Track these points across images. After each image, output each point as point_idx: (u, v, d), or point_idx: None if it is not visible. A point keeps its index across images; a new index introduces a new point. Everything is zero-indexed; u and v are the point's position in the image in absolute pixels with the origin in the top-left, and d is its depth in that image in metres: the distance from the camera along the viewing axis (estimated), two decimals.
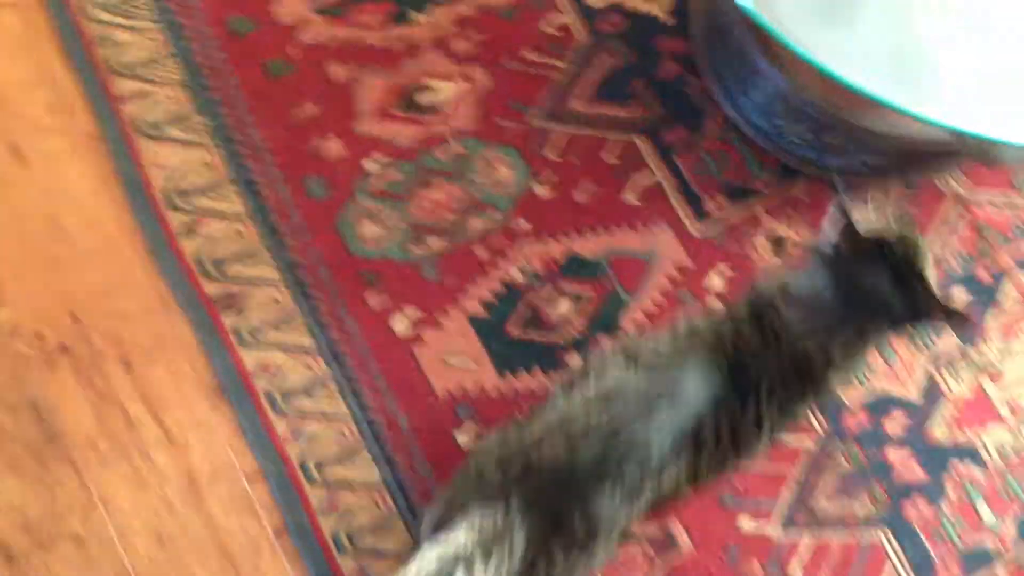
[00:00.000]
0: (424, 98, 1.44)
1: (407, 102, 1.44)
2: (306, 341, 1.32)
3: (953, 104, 1.15)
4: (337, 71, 1.44)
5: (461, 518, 0.98)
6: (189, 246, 1.34)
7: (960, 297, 1.44)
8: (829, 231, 1.03)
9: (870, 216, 1.03)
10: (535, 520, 0.98)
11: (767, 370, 1.04)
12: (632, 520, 1.05)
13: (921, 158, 1.46)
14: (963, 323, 1.02)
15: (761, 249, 1.43)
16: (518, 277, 1.38)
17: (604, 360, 1.08)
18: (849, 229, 1.02)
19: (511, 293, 1.37)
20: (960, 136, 1.13)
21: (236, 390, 1.29)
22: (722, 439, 1.04)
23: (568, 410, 1.04)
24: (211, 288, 1.33)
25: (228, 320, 1.31)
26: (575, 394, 1.05)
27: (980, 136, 1.11)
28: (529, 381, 1.34)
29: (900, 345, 1.41)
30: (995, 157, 1.11)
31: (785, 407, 1.06)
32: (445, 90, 1.45)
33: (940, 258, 1.45)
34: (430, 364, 1.33)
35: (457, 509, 1.00)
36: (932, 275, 1.03)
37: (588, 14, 1.51)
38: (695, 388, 1.02)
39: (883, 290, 1.00)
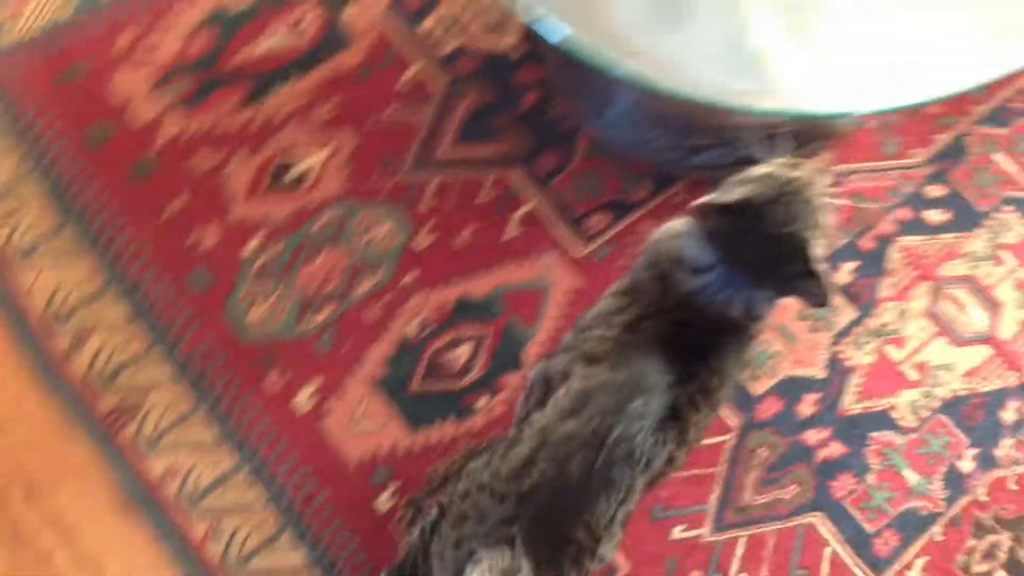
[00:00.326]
0: (293, 172, 1.45)
1: (277, 178, 1.44)
2: (210, 436, 1.31)
3: (793, 90, 1.18)
4: (202, 161, 1.44)
5: (472, 567, 0.99)
6: (78, 363, 1.33)
7: (846, 272, 1.47)
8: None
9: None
10: (541, 547, 1.00)
11: (703, 330, 1.05)
12: (634, 505, 1.06)
13: (787, 142, 1.48)
14: (820, 293, 1.00)
15: None
16: (413, 331, 1.38)
17: (564, 368, 1.08)
18: (720, 206, 1.02)
19: (409, 348, 1.38)
20: (802, 119, 1.16)
21: (147, 501, 1.27)
22: (699, 406, 1.06)
23: (547, 426, 1.04)
24: (106, 401, 1.31)
25: (128, 430, 1.30)
26: (548, 409, 1.06)
27: (818, 114, 1.14)
28: (442, 431, 1.34)
29: (800, 327, 1.43)
30: (832, 130, 1.13)
31: (731, 357, 1.08)
32: (312, 160, 1.45)
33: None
34: (340, 434, 1.33)
35: (464, 556, 1.02)
36: (820, 233, 1.02)
37: (440, 62, 1.53)
38: (655, 373, 1.03)
39: (759, 256, 1.01)
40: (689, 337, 1.05)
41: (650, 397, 1.02)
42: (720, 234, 1.02)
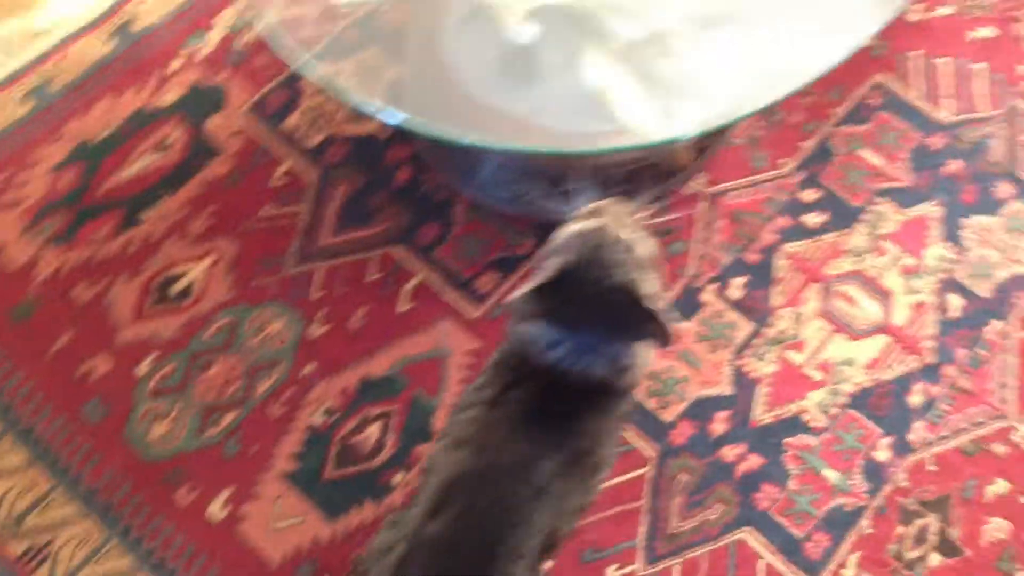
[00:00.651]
0: (176, 287, 1.46)
1: (161, 296, 1.45)
2: (126, 563, 1.28)
3: (638, 125, 1.22)
4: (82, 293, 1.45)
5: None
6: None
7: (737, 288, 1.49)
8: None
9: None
10: None
11: (569, 395, 1.05)
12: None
13: (658, 174, 1.52)
14: (665, 333, 1.00)
15: None
16: (320, 419, 1.38)
17: (437, 456, 1.07)
18: (535, 290, 1.01)
19: (317, 438, 1.37)
20: (647, 148, 1.20)
21: None
22: (572, 475, 1.04)
23: (414, 529, 1.01)
24: (15, 548, 1.29)
25: (41, 572, 1.28)
26: (415, 507, 1.04)
27: (660, 142, 1.18)
28: (362, 514, 1.33)
29: (701, 349, 1.45)
30: (672, 155, 1.18)
31: (602, 417, 1.07)
32: (194, 272, 1.47)
33: (708, 256, 1.51)
34: (259, 537, 1.31)
35: None
36: (644, 270, 1.02)
37: (310, 154, 1.56)
38: (519, 452, 1.02)
39: (598, 315, 1.01)
40: (555, 404, 1.04)
41: (517, 482, 1.01)
42: (552, 310, 1.02)
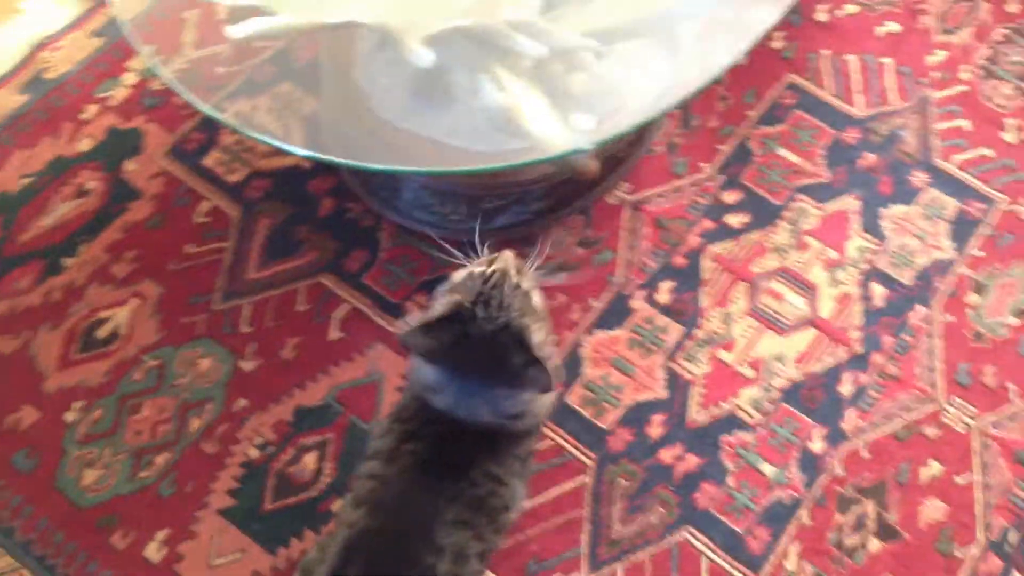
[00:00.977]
0: (101, 332, 1.45)
1: (86, 342, 1.44)
2: None
3: (545, 139, 1.24)
4: (6, 344, 1.43)
5: None
6: None
7: (665, 292, 1.51)
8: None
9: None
10: None
11: (461, 443, 1.05)
12: None
13: (576, 187, 1.54)
14: (545, 380, 1.00)
15: None
16: (254, 453, 1.37)
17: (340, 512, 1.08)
18: (424, 326, 1.02)
19: (254, 471, 1.36)
20: (554, 161, 1.22)
21: None
22: (471, 522, 1.05)
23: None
24: None
25: None
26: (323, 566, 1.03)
27: (562, 155, 1.20)
28: (304, 544, 1.31)
29: (633, 355, 1.46)
30: (576, 166, 1.20)
31: (498, 460, 1.07)
32: (119, 316, 1.46)
33: (635, 263, 1.52)
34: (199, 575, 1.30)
35: None
36: (534, 318, 1.02)
37: (232, 190, 1.56)
38: (414, 507, 1.03)
39: (483, 358, 1.01)
40: (450, 453, 1.05)
41: (417, 541, 1.01)
42: (440, 350, 1.02)
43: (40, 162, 1.56)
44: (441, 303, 1.02)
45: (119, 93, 1.62)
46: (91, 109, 1.61)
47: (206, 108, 1.29)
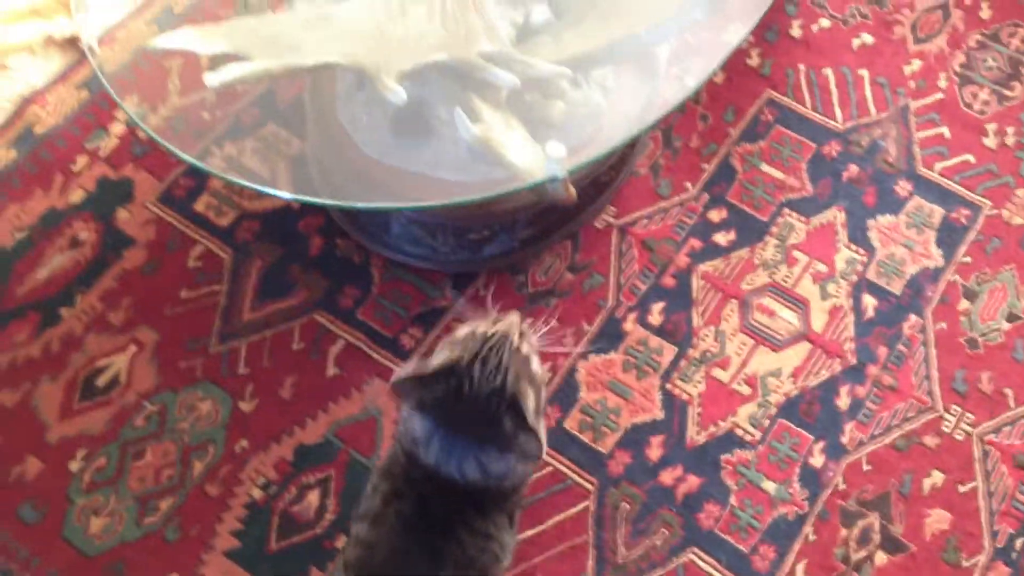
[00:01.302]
0: (101, 379, 1.45)
1: (87, 391, 1.45)
2: None
3: (523, 167, 1.25)
4: (8, 398, 1.44)
5: None
6: None
7: (656, 313, 1.52)
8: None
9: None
10: None
11: (448, 502, 1.05)
12: None
13: (562, 214, 1.55)
14: (535, 449, 1.01)
15: None
16: (257, 494, 1.38)
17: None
18: (420, 377, 1.02)
19: (257, 512, 1.37)
20: (534, 189, 1.24)
21: None
22: (479, 568, 1.06)
23: None
24: None
25: None
26: None
27: (538, 183, 1.22)
28: None
29: (628, 378, 1.47)
30: (553, 193, 1.21)
31: (485, 520, 1.08)
32: (118, 363, 1.47)
33: (625, 286, 1.54)
34: None
35: None
36: (530, 384, 1.02)
37: (223, 233, 1.57)
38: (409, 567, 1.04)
39: (474, 417, 1.01)
40: (436, 513, 1.05)
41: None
42: (431, 403, 1.02)
43: (33, 215, 1.58)
44: (439, 357, 1.02)
45: (108, 143, 1.64)
46: (81, 160, 1.63)
47: (189, 158, 1.31)
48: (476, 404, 1.00)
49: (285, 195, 1.38)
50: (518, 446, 1.01)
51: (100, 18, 1.61)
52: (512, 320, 1.06)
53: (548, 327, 1.12)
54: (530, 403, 1.01)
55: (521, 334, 1.04)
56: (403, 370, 1.02)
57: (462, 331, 1.05)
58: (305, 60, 1.29)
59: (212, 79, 1.23)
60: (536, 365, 1.05)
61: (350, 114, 1.47)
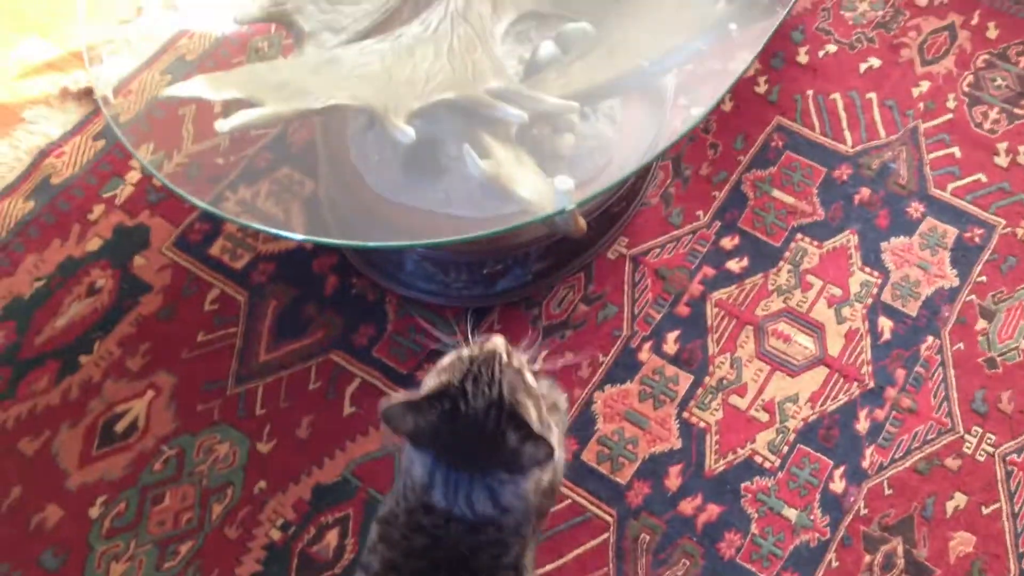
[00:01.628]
0: (120, 426, 1.46)
1: (106, 437, 1.46)
2: None
3: (534, 201, 1.26)
4: (29, 445, 1.45)
5: None
6: None
7: (672, 342, 1.52)
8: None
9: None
10: None
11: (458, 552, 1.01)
12: None
13: (574, 246, 1.56)
14: (545, 450, 0.96)
15: None
16: (276, 535, 1.38)
17: None
18: (411, 404, 0.98)
19: (277, 553, 1.37)
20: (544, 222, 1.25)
21: None
22: None
23: None
24: None
25: None
26: None
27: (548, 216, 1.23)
28: None
29: (645, 407, 1.46)
30: (564, 226, 1.22)
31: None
32: (136, 408, 1.48)
33: (640, 315, 1.53)
34: None
35: None
36: (527, 394, 0.99)
37: (238, 276, 1.59)
38: None
39: (475, 441, 0.97)
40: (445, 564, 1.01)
41: None
42: (428, 431, 0.98)
43: (51, 265, 1.60)
44: (428, 384, 0.99)
45: (124, 191, 1.67)
46: (98, 209, 1.65)
47: (201, 203, 1.33)
48: (475, 423, 0.96)
49: (297, 237, 1.39)
50: (527, 457, 0.97)
51: (114, 70, 1.65)
52: (496, 341, 1.02)
53: (534, 346, 1.08)
54: (531, 413, 0.97)
55: (508, 353, 1.01)
56: (392, 399, 0.99)
57: (446, 359, 1.03)
58: (314, 103, 1.30)
59: (223, 125, 1.25)
60: (530, 378, 1.02)
61: (361, 154, 1.49)
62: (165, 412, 1.48)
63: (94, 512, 1.40)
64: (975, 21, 1.82)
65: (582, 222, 1.21)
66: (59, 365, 1.52)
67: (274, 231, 1.42)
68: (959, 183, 1.65)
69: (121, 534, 1.39)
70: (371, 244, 1.35)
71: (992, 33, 1.80)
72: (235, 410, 1.47)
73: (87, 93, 1.76)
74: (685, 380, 1.49)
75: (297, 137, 1.65)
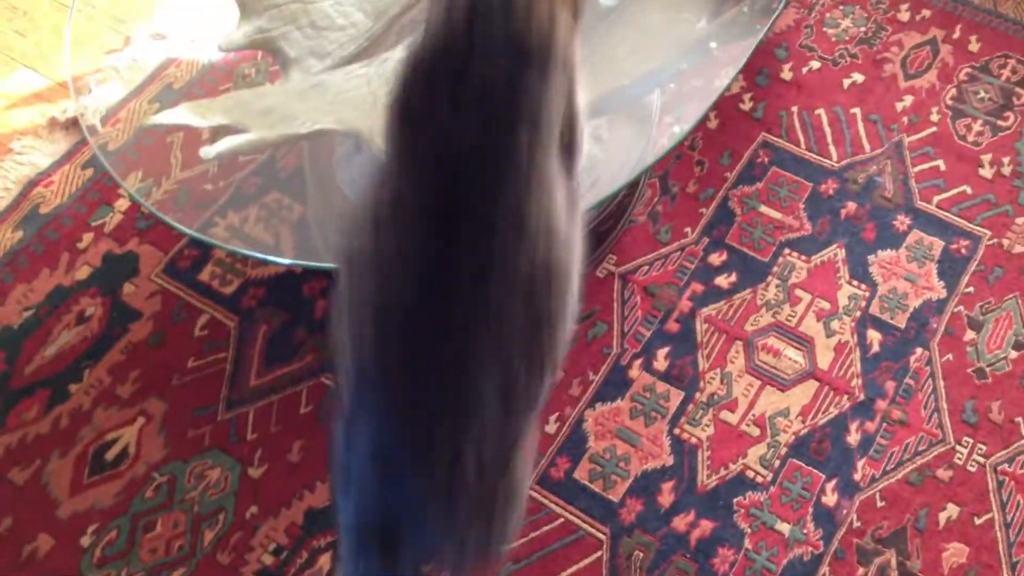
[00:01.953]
0: (110, 454, 1.46)
1: (97, 466, 1.45)
2: None
3: None
4: (19, 474, 1.45)
5: None
6: None
7: (662, 359, 1.52)
8: None
9: None
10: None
11: None
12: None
13: None
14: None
15: None
16: (269, 560, 1.38)
17: None
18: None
19: None
20: None
21: None
22: None
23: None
24: None
25: None
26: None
27: None
28: None
29: (636, 424, 1.46)
30: None
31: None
32: (127, 436, 1.47)
33: (629, 333, 1.54)
34: None
35: None
36: None
37: (227, 301, 1.59)
38: None
39: None
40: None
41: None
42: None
43: (40, 294, 1.60)
44: None
45: (113, 219, 1.67)
46: (87, 237, 1.65)
47: (188, 231, 1.34)
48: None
49: (284, 261, 1.40)
50: None
51: (102, 99, 1.66)
52: None
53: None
54: None
55: None
56: None
57: None
58: (300, 128, 1.31)
59: (208, 152, 1.26)
60: None
61: (349, 177, 1.50)
62: (156, 439, 1.47)
63: (85, 541, 1.40)
64: (956, 35, 1.83)
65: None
66: (49, 394, 1.51)
67: (261, 256, 1.42)
68: (944, 195, 1.66)
69: (113, 562, 1.38)
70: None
71: (974, 47, 1.82)
72: (226, 435, 1.47)
73: (75, 123, 1.77)
74: (676, 396, 1.49)
75: (285, 163, 1.66)
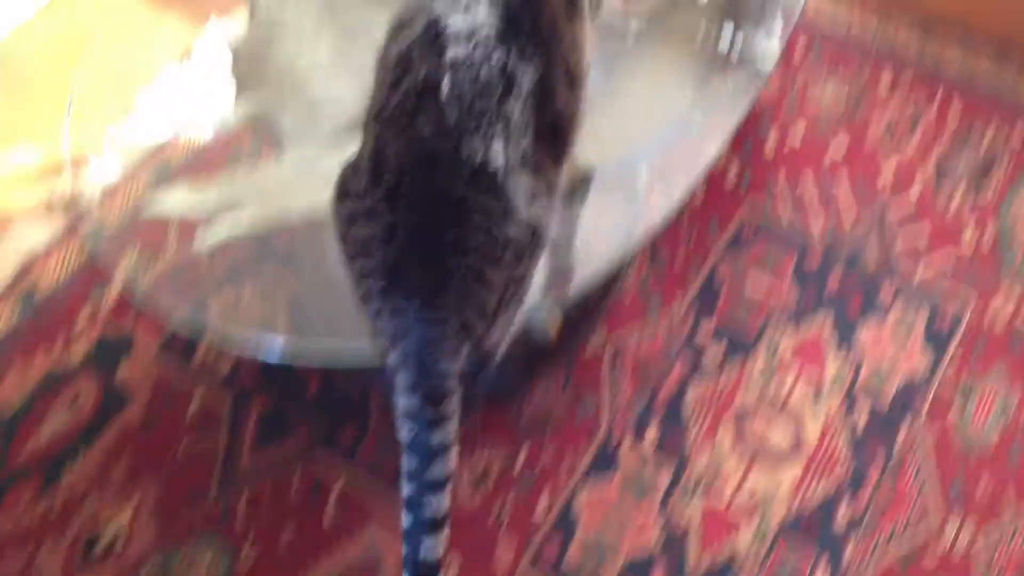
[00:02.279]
0: (102, 542, 1.46)
1: (88, 555, 1.45)
2: None
3: None
4: (9, 564, 1.44)
5: None
6: None
7: (649, 442, 1.53)
8: None
9: None
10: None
11: None
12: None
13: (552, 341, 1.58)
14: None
15: None
16: None
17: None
18: None
19: None
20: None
21: None
22: None
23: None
24: None
25: None
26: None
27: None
28: None
29: (629, 508, 1.47)
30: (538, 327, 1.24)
31: None
32: (119, 522, 1.47)
33: (617, 409, 1.55)
34: None
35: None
36: None
37: (222, 382, 1.60)
38: None
39: None
40: None
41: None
42: None
43: (35, 377, 1.61)
44: None
45: (109, 299, 1.68)
46: (82, 318, 1.67)
47: (176, 320, 1.34)
48: None
49: (275, 360, 1.41)
50: None
51: (99, 179, 1.68)
52: None
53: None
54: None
55: None
56: None
57: None
58: (293, 212, 1.33)
59: (201, 244, 1.27)
60: None
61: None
62: (148, 524, 1.47)
63: None
64: (938, 102, 1.86)
65: (553, 330, 1.23)
66: (41, 481, 1.51)
67: (253, 354, 1.43)
68: (928, 263, 1.67)
69: None
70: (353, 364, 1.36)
71: (955, 113, 1.84)
72: (218, 519, 1.47)
73: (72, 202, 1.79)
74: (665, 474, 1.50)
75: (280, 241, 1.67)
